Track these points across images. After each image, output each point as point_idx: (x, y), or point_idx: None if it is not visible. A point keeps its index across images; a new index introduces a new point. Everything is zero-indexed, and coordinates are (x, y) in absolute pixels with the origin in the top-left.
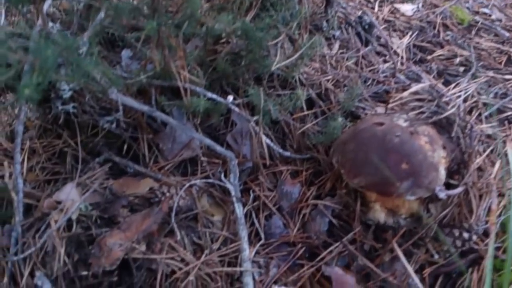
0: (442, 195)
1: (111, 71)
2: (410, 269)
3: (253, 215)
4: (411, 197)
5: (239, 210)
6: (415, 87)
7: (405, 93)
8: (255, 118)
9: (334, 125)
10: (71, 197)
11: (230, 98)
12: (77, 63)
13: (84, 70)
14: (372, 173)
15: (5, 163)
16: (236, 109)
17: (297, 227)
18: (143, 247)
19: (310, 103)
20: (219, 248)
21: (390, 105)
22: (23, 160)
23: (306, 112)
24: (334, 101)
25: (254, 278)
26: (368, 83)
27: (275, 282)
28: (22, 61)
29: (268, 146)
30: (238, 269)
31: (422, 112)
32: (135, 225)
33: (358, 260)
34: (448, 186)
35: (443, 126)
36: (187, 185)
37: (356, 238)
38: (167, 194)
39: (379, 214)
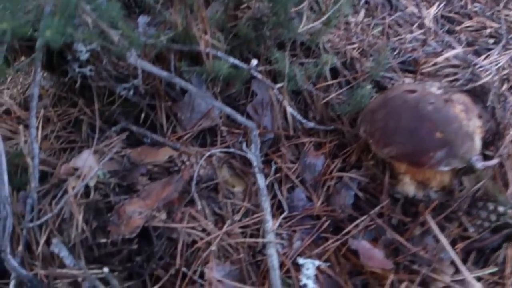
0: (479, 165)
1: (131, 29)
2: (445, 241)
3: (275, 187)
4: (444, 168)
5: (261, 181)
6: (447, 54)
7: (439, 59)
8: (278, 85)
9: (361, 94)
10: (89, 164)
11: (254, 62)
12: (98, 7)
13: (102, 29)
14: (403, 142)
15: (20, 129)
16: (259, 75)
17: (321, 200)
18: (163, 216)
19: (334, 73)
20: (240, 220)
21: (422, 71)
22: (37, 128)
23: (330, 82)
24: (359, 70)
25: (277, 251)
26: (396, 52)
27: (299, 255)
28: (41, 4)
29: (292, 117)
30: (261, 240)
31: (456, 80)
32: (155, 193)
33: (386, 234)
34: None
35: (478, 95)
36: (208, 153)
37: (383, 212)
38: (187, 163)
39: (408, 187)
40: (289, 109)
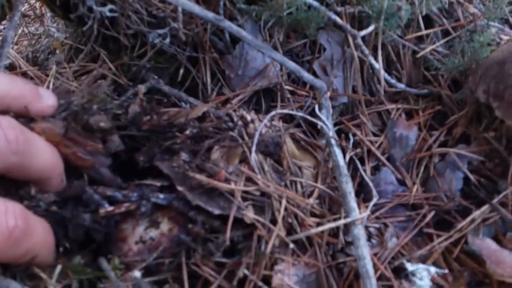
0: None
1: None
2: None
3: (355, 165)
4: None
5: (340, 157)
6: None
7: None
8: (363, 32)
9: (480, 41)
10: None
11: None
12: None
13: None
14: None
15: None
16: (338, 19)
17: (417, 184)
18: None
19: (428, 21)
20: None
21: None
22: (48, 87)
23: (423, 32)
24: (462, 17)
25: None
26: None
27: (394, 258)
28: None
29: (372, 78)
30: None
31: None
32: None
33: None
34: None
35: None
36: (273, 113)
37: (507, 202)
38: (248, 118)
39: None
40: (376, 65)
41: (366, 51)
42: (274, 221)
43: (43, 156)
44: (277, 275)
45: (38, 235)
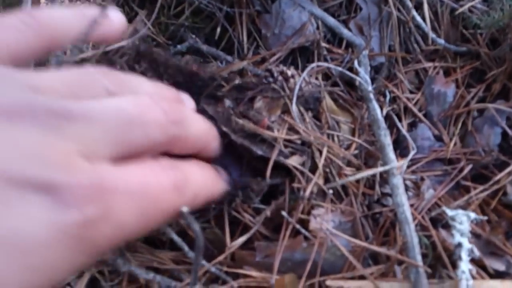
0: None
1: None
2: None
3: (392, 121)
4: None
5: (378, 111)
6: None
7: None
8: None
9: None
10: None
11: None
12: None
13: None
14: None
15: None
16: None
17: (454, 139)
18: None
19: None
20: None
21: None
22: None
23: None
24: None
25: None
26: None
27: (431, 210)
28: None
29: (409, 36)
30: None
31: None
32: None
33: None
34: None
35: None
36: (313, 65)
37: None
38: (289, 73)
39: None
40: (418, 18)
41: (410, 4)
42: (312, 171)
43: (198, 122)
44: (315, 219)
45: (196, 175)
